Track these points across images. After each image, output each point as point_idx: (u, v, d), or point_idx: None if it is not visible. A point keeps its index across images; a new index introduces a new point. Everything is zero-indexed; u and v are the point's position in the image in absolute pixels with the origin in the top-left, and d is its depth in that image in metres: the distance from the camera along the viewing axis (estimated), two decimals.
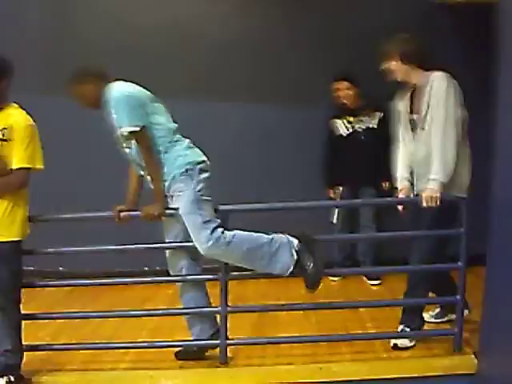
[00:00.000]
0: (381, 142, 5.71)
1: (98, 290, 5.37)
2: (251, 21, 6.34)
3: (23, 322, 4.08)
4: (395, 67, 4.30)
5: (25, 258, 4.10)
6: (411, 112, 4.38)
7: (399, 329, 4.47)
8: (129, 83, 4.06)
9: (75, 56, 5.90)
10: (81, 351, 4.45)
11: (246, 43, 6.30)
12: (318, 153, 6.20)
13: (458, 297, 4.30)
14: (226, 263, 4.17)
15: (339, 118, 6.09)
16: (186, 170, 3.97)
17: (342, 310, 4.95)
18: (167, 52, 6.19)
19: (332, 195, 6.17)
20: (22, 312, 4.07)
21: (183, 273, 4.27)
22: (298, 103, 6.28)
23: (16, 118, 3.85)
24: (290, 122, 6.35)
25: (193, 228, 3.95)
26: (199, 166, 4.02)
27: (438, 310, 4.84)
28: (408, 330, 4.44)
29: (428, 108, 4.22)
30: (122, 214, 4.15)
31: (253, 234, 4.06)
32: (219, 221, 4.01)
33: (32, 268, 5.10)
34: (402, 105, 4.47)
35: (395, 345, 4.41)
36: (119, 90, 3.98)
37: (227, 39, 6.27)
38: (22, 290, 4.05)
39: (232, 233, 3.98)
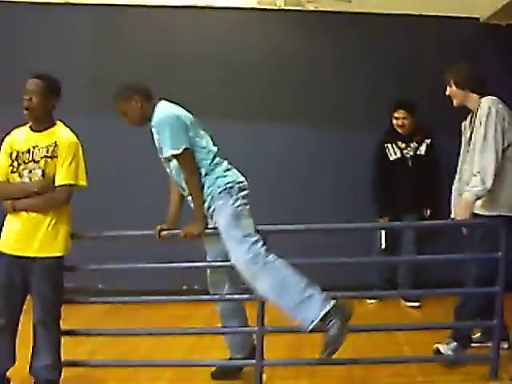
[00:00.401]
0: (426, 169, 5.87)
1: (137, 308, 5.44)
2: (300, 46, 6.41)
3: (62, 338, 4.14)
4: (452, 93, 4.55)
5: (65, 275, 4.18)
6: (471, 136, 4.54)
7: (447, 340, 4.52)
8: (173, 104, 4.14)
9: (122, 79, 6.06)
10: (118, 368, 4.49)
11: (294, 68, 6.39)
12: (361, 176, 6.23)
13: (495, 321, 4.26)
14: None
15: (390, 142, 6.08)
16: (225, 189, 4.00)
17: (378, 333, 4.93)
18: (215, 75, 6.33)
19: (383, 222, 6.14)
20: (62, 328, 4.12)
21: (223, 292, 4.32)
22: (341, 127, 6.39)
23: (61, 135, 3.95)
24: (333, 145, 6.43)
25: (232, 241, 3.92)
26: (238, 185, 4.05)
27: (479, 334, 4.80)
28: (454, 343, 4.47)
29: (473, 130, 4.42)
30: (162, 232, 4.21)
31: (294, 270, 3.91)
32: (260, 237, 3.96)
33: (72, 284, 5.22)
34: (463, 128, 4.70)
35: (438, 349, 4.47)
36: (164, 111, 4.05)
37: (274, 64, 6.38)
38: (64, 306, 4.12)
39: (273, 257, 3.89)
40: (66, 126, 4.04)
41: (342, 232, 5.56)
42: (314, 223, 4.67)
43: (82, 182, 4.00)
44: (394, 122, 6.03)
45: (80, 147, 3.99)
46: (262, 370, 4.27)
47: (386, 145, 6.08)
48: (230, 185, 4.02)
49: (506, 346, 4.53)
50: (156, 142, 4.10)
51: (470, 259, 4.59)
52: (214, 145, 4.21)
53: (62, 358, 4.10)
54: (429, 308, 5.89)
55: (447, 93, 4.61)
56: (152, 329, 4.79)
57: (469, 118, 4.62)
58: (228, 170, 4.13)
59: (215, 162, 4.10)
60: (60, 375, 4.04)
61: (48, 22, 6.27)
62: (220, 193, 4.01)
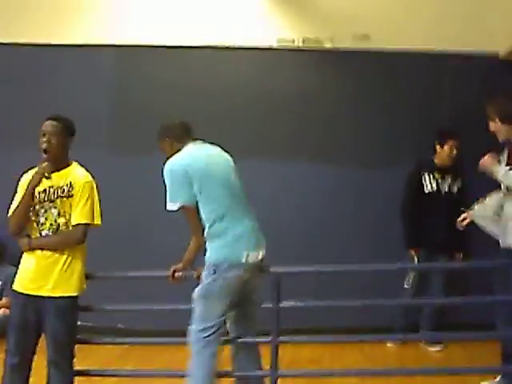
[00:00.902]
0: (458, 209, 5.63)
1: (155, 349, 5.42)
2: (319, 85, 6.44)
3: (77, 378, 4.15)
4: (497, 128, 4.56)
5: (83, 314, 4.19)
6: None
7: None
8: (189, 153, 4.09)
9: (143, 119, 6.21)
10: None
11: (314, 107, 6.42)
12: (382, 214, 6.21)
13: None
14: (278, 327, 4.17)
15: (427, 171, 5.91)
16: (213, 264, 3.98)
17: (398, 377, 4.86)
18: (235, 114, 6.38)
19: (413, 254, 5.91)
20: (77, 368, 4.13)
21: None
22: (361, 166, 6.39)
23: (76, 175, 4.00)
24: (353, 184, 6.42)
25: (194, 311, 4.06)
26: (228, 263, 3.96)
27: (499, 377, 4.71)
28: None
29: None
30: (176, 273, 4.20)
31: (209, 376, 4.04)
32: (217, 323, 4.01)
33: (90, 324, 5.24)
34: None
35: None
36: (170, 161, 4.03)
37: (293, 103, 6.41)
38: (80, 346, 4.13)
39: (209, 351, 4.01)
40: (84, 165, 4.10)
41: (368, 272, 5.48)
42: (334, 262, 4.68)
43: (98, 222, 4.04)
44: (445, 151, 5.84)
45: (95, 187, 4.04)
46: None
47: (423, 174, 5.91)
48: (219, 262, 3.97)
49: None
50: None
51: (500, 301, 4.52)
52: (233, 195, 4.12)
53: None
54: (449, 350, 5.78)
55: (491, 128, 4.60)
56: (166, 370, 4.74)
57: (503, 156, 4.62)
58: (227, 242, 4.00)
59: (217, 227, 3.99)
60: None
61: (68, 63, 6.43)
62: (208, 263, 4.01)
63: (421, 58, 6.24)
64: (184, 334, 4.54)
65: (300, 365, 5.23)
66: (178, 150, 4.11)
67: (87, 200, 3.96)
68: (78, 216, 3.93)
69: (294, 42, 6.30)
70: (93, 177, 4.06)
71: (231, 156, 4.23)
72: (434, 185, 5.88)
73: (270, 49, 6.36)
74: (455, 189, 5.91)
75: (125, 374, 4.74)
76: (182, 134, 4.20)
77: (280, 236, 5.92)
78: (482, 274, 5.28)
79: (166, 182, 3.98)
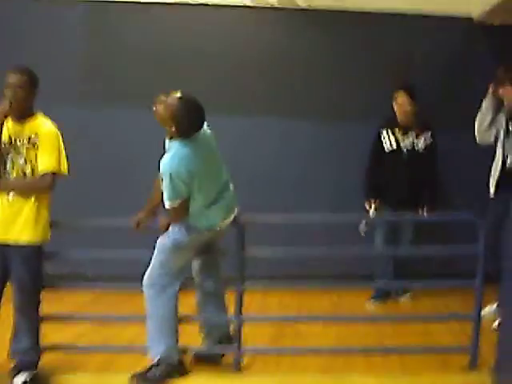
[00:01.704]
0: (425, 166, 5.72)
1: (124, 295, 5.47)
2: (294, 43, 6.39)
3: (47, 323, 4.23)
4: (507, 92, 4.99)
5: (54, 262, 4.27)
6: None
7: None
8: (193, 155, 4.02)
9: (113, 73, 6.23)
10: (100, 354, 4.56)
11: (288, 64, 6.38)
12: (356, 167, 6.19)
13: (474, 313, 4.28)
14: (243, 274, 4.26)
15: (388, 128, 5.84)
16: (190, 226, 4.11)
17: (363, 325, 4.97)
18: (209, 73, 6.30)
19: (368, 208, 5.90)
20: (46, 313, 4.21)
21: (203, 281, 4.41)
22: (337, 121, 6.39)
23: (42, 126, 4.01)
24: (331, 139, 6.43)
25: (155, 259, 4.18)
26: (206, 229, 4.16)
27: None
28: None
29: None
30: (140, 223, 4.28)
31: (172, 314, 4.23)
32: (176, 272, 4.18)
33: (61, 272, 5.29)
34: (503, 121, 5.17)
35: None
36: (175, 164, 3.97)
37: (269, 60, 6.36)
38: (51, 293, 4.22)
39: (168, 296, 4.18)
40: (57, 118, 4.12)
41: (340, 225, 5.54)
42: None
43: (64, 171, 4.07)
44: (396, 106, 5.82)
45: (60, 137, 4.05)
46: (241, 357, 4.32)
47: (382, 131, 5.86)
48: (195, 226, 4.12)
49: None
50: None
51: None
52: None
53: (46, 343, 4.20)
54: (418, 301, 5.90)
55: (502, 92, 5.02)
56: (134, 316, 4.81)
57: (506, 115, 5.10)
58: (207, 215, 4.14)
59: (201, 209, 4.12)
60: (39, 359, 4.12)
61: (40, 17, 6.26)
62: (185, 223, 4.11)
63: (395, 19, 6.17)
64: None
65: (268, 312, 5.33)
66: (184, 137, 4.02)
67: (53, 150, 3.98)
68: (45, 165, 3.95)
69: (268, 0, 6.20)
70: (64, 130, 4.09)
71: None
72: (394, 142, 5.82)
73: (245, 7, 6.27)
74: (420, 145, 5.79)
75: (91, 318, 4.83)
76: (198, 124, 4.08)
77: (256, 188, 6.09)
78: (449, 229, 5.40)
79: (167, 180, 3.97)
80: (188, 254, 4.22)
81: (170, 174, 3.93)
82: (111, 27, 6.37)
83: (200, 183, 4.02)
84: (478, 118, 5.31)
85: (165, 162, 3.97)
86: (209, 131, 4.21)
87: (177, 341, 4.26)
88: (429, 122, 5.86)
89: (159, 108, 4.02)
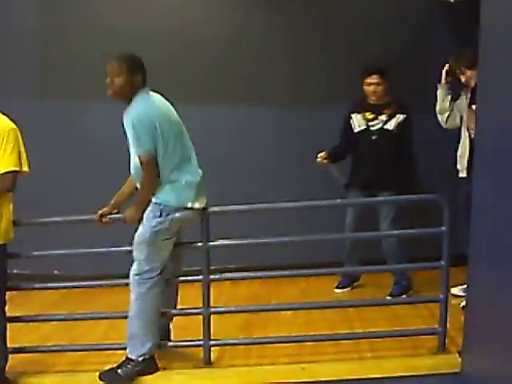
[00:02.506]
0: (397, 147, 5.54)
1: (91, 294, 5.45)
2: (249, 21, 6.33)
3: (14, 325, 4.20)
4: (473, 76, 4.99)
5: (20, 262, 4.23)
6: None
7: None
8: (157, 99, 4.09)
9: (69, 63, 6.10)
10: (69, 353, 4.53)
11: (244, 45, 6.34)
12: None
13: (442, 296, 4.31)
14: (209, 265, 4.24)
15: (358, 112, 5.69)
16: (161, 205, 4.05)
17: (331, 311, 4.99)
18: (162, 53, 6.15)
19: (318, 159, 5.69)
20: (14, 315, 4.20)
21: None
22: (299, 104, 6.36)
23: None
24: (294, 123, 6.42)
25: (136, 252, 4.14)
26: (176, 206, 4.08)
27: None
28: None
29: None
30: (103, 217, 4.23)
31: (159, 309, 4.22)
32: (160, 265, 4.13)
33: (27, 272, 5.25)
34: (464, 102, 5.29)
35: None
36: (145, 109, 3.98)
37: (223, 41, 6.29)
38: (18, 293, 4.16)
39: (156, 291, 4.14)
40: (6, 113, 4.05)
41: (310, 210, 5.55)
42: (273, 201, 4.83)
43: (25, 168, 4.03)
44: (366, 88, 5.64)
45: (19, 134, 3.99)
46: (210, 350, 4.30)
47: (352, 115, 5.71)
48: (166, 203, 4.05)
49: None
50: (127, 131, 4.04)
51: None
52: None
53: (13, 345, 4.17)
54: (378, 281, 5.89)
55: (464, 79, 5.15)
56: (101, 313, 4.79)
57: (467, 94, 5.21)
58: (178, 187, 4.09)
59: (175, 174, 4.07)
60: (6, 362, 4.07)
61: None
62: (154, 205, 4.06)
63: None
64: (118, 277, 4.62)
65: (238, 302, 5.32)
66: (133, 93, 4.02)
67: (13, 148, 3.92)
68: (6, 164, 3.90)
69: None
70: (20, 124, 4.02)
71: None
72: (364, 123, 5.66)
73: None
74: (393, 126, 5.58)
75: (59, 319, 4.78)
76: (145, 76, 4.13)
77: (222, 177, 6.04)
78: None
79: (131, 131, 3.94)
80: (170, 242, 4.15)
81: (133, 123, 3.91)
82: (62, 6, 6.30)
83: (165, 142, 3.97)
84: (437, 109, 5.39)
85: (126, 114, 3.98)
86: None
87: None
88: (404, 103, 5.66)
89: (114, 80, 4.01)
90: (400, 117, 5.56)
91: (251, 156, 6.43)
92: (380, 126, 5.60)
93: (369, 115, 5.64)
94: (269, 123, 6.43)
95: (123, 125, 4.03)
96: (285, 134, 6.44)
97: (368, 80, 5.60)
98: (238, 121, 6.38)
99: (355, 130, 5.69)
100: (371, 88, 5.58)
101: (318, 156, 5.68)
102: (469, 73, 5.07)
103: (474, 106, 4.81)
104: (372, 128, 5.63)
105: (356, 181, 5.72)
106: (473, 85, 4.97)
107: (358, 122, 5.67)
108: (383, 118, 5.59)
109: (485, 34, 3.61)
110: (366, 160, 5.67)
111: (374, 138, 5.61)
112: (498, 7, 3.42)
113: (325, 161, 5.69)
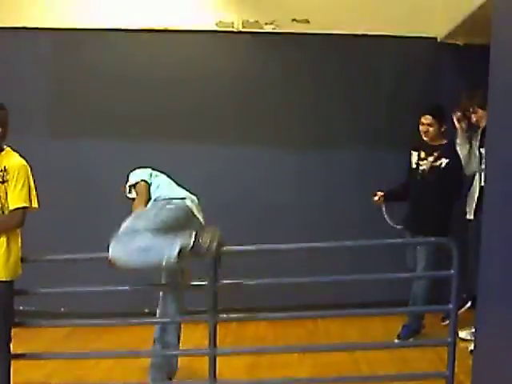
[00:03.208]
0: (438, 190, 5.50)
1: (97, 331, 5.43)
2: (260, 68, 6.45)
3: (18, 362, 4.14)
4: (483, 116, 5.10)
5: (27, 299, 4.21)
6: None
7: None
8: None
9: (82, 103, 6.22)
10: None
11: (255, 89, 6.44)
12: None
13: (449, 339, 4.27)
14: (216, 305, 4.21)
15: (416, 150, 5.71)
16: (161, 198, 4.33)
17: (338, 353, 4.95)
18: (175, 98, 6.34)
19: (375, 198, 5.81)
20: (18, 351, 4.13)
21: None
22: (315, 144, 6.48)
23: (10, 159, 3.97)
24: (313, 166, 6.53)
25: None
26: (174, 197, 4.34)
27: None
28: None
29: None
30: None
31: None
32: None
33: (34, 308, 5.23)
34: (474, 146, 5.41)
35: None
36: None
37: (234, 86, 6.41)
38: (24, 330, 4.15)
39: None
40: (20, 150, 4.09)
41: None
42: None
43: (35, 205, 4.03)
44: (420, 127, 5.63)
45: (29, 171, 4.02)
46: None
47: (412, 152, 5.74)
48: (165, 196, 4.42)
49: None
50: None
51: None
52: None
53: (17, 382, 4.10)
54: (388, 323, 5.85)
55: (475, 119, 5.28)
56: (107, 351, 4.77)
57: (477, 137, 5.32)
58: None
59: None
60: None
61: (4, 47, 6.28)
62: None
63: (360, 41, 6.30)
64: (126, 315, 4.61)
65: (244, 343, 5.29)
66: None
67: (23, 184, 3.93)
68: (16, 200, 3.91)
69: (233, 25, 6.27)
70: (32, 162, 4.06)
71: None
72: (414, 163, 5.69)
73: (210, 31, 6.31)
74: (434, 170, 5.53)
75: (62, 357, 4.74)
76: None
77: (228, 219, 6.01)
78: None
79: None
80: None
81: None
82: (72, 55, 6.39)
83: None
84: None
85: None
86: None
87: None
88: (452, 148, 5.64)
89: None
90: (444, 161, 5.50)
91: (275, 195, 6.49)
92: (425, 167, 5.61)
93: (422, 154, 5.66)
94: (291, 164, 6.51)
95: None
96: (307, 175, 6.52)
97: (422, 119, 5.63)
98: (264, 163, 6.49)
99: (411, 168, 5.75)
100: (423, 128, 5.62)
101: (375, 194, 5.78)
102: (480, 112, 5.17)
103: (482, 150, 4.86)
104: (420, 167, 5.65)
105: (404, 221, 5.77)
106: (483, 125, 5.05)
107: (413, 160, 5.72)
108: (431, 159, 5.57)
109: (494, 79, 3.63)
110: (411, 200, 5.73)
111: (418, 178, 5.65)
112: (507, 51, 3.45)
113: (379, 199, 5.80)
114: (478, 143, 5.32)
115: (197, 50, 6.41)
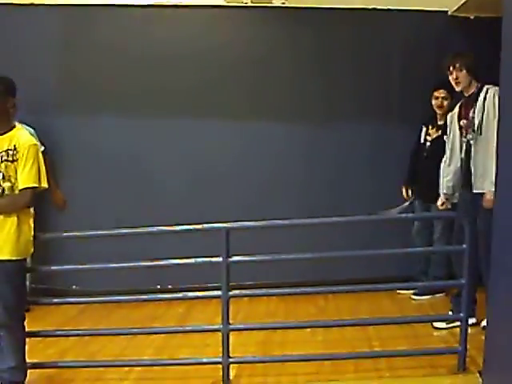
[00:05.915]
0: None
1: (109, 309, 5.45)
2: (271, 42, 6.42)
3: (32, 340, 4.17)
4: (461, 77, 4.89)
5: (38, 276, 4.20)
6: (459, 119, 4.99)
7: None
8: None
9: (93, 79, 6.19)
10: (86, 369, 4.48)
11: (265, 64, 6.42)
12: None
13: (462, 314, 4.26)
14: (228, 281, 4.21)
15: (425, 124, 5.94)
16: None
17: (349, 329, 4.95)
18: (187, 74, 6.31)
19: (404, 194, 6.12)
20: (32, 329, 4.16)
21: None
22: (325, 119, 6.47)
23: (20, 138, 3.94)
24: (323, 140, 6.52)
25: None
26: None
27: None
28: None
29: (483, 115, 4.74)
30: None
31: None
32: None
33: (46, 286, 5.26)
34: (452, 115, 5.13)
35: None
36: None
37: (245, 61, 6.39)
38: (37, 308, 4.13)
39: None
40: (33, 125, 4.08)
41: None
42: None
43: (44, 184, 4.00)
44: (434, 102, 5.81)
45: (39, 150, 4.00)
46: (229, 367, 4.27)
47: (423, 126, 5.96)
48: None
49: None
50: None
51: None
52: None
53: (31, 360, 4.13)
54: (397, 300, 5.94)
55: (454, 77, 4.91)
56: (119, 329, 4.78)
57: (459, 104, 5.02)
58: None
59: None
60: (25, 377, 4.04)
61: (13, 24, 6.24)
62: None
63: (371, 15, 6.28)
64: (137, 292, 4.63)
65: (256, 319, 5.30)
66: None
67: (33, 163, 3.91)
68: (25, 180, 3.89)
69: (243, 0, 6.21)
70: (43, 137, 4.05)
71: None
72: (423, 136, 5.95)
73: (219, 6, 6.26)
74: (440, 143, 5.60)
75: (77, 334, 4.77)
76: None
77: (239, 192, 6.15)
78: None
79: None
80: None
81: None
82: (84, 31, 6.36)
83: None
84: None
85: None
86: None
87: None
88: None
89: None
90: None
91: (286, 170, 6.51)
92: (434, 139, 5.84)
93: (431, 129, 5.87)
94: (302, 139, 6.51)
95: None
96: (318, 149, 6.52)
97: (436, 94, 5.78)
98: (275, 138, 6.47)
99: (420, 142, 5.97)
100: (437, 102, 5.77)
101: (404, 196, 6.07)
102: (462, 74, 4.88)
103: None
104: (426, 141, 5.91)
105: (416, 192, 6.08)
106: (459, 88, 4.92)
107: (422, 135, 5.95)
108: (439, 133, 5.76)
109: (507, 51, 3.58)
110: (421, 171, 5.95)
111: (425, 151, 5.89)
112: None
113: (409, 197, 6.10)
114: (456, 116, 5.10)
115: (208, 25, 6.37)
